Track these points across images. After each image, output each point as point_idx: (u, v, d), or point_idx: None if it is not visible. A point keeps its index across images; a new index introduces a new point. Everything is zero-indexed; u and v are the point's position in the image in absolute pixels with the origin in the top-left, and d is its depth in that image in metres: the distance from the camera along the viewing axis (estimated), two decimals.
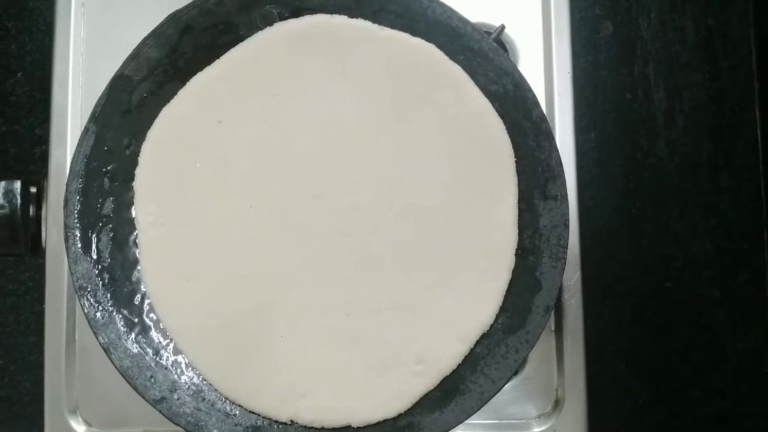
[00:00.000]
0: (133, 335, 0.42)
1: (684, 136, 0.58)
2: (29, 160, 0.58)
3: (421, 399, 0.41)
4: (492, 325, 0.42)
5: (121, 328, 0.42)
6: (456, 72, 0.43)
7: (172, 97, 0.43)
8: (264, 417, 0.41)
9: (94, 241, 0.42)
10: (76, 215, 0.42)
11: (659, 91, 0.58)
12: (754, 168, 0.58)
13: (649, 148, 0.58)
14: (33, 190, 0.49)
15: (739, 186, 0.58)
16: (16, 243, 0.48)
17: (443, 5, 0.43)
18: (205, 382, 0.42)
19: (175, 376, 0.42)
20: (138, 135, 0.43)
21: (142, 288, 0.43)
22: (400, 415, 0.41)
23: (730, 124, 0.58)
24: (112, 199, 0.43)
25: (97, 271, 0.42)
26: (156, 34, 0.43)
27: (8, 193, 0.48)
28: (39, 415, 0.49)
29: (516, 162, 0.43)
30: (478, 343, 0.42)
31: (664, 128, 0.58)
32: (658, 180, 0.58)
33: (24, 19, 0.59)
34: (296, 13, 0.44)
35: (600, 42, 0.59)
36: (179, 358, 0.42)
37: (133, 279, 0.43)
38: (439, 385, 0.41)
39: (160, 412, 0.40)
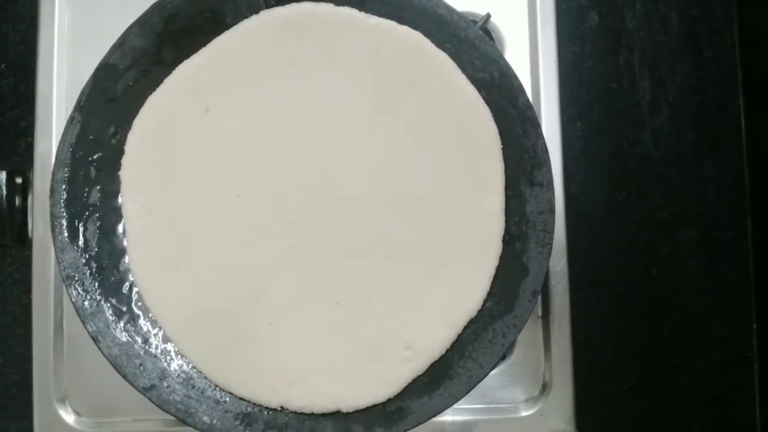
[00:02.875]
0: (121, 324, 0.42)
1: (669, 126, 0.59)
2: (14, 151, 0.57)
3: (410, 384, 0.41)
4: (479, 311, 0.42)
5: (110, 317, 0.42)
6: (443, 60, 0.43)
7: (157, 86, 0.43)
8: (254, 404, 0.41)
9: (81, 230, 0.42)
10: (63, 204, 0.42)
11: (644, 81, 0.59)
12: (738, 157, 0.59)
13: (634, 138, 0.58)
14: (18, 180, 0.49)
15: (724, 174, 0.58)
16: (1, 234, 0.48)
17: None
18: (194, 370, 0.42)
19: (165, 364, 0.42)
20: (124, 124, 0.43)
21: (130, 277, 0.43)
22: (389, 400, 0.41)
23: (714, 113, 0.59)
24: (98, 188, 0.43)
25: (84, 260, 0.42)
26: (141, 23, 0.43)
27: None
28: (28, 407, 0.49)
29: (502, 149, 0.43)
30: (465, 328, 0.42)
31: (649, 118, 0.59)
32: (644, 169, 0.58)
33: (8, 9, 0.58)
34: (282, 0, 0.44)
35: (585, 32, 0.59)
36: (168, 346, 0.42)
37: (121, 268, 0.43)
38: (427, 370, 0.42)
39: (149, 400, 0.40)
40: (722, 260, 0.58)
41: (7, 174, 0.48)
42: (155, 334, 0.42)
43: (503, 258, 0.43)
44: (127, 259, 0.43)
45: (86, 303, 0.41)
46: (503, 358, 0.49)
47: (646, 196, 0.58)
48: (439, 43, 0.43)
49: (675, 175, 0.58)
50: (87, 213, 0.43)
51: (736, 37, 0.59)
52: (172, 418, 0.40)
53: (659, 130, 0.58)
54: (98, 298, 0.42)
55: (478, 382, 0.41)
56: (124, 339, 0.41)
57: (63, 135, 0.42)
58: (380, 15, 0.44)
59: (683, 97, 0.59)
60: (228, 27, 0.44)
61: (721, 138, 0.59)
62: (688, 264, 0.58)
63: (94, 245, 0.42)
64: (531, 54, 0.51)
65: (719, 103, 0.59)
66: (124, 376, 0.40)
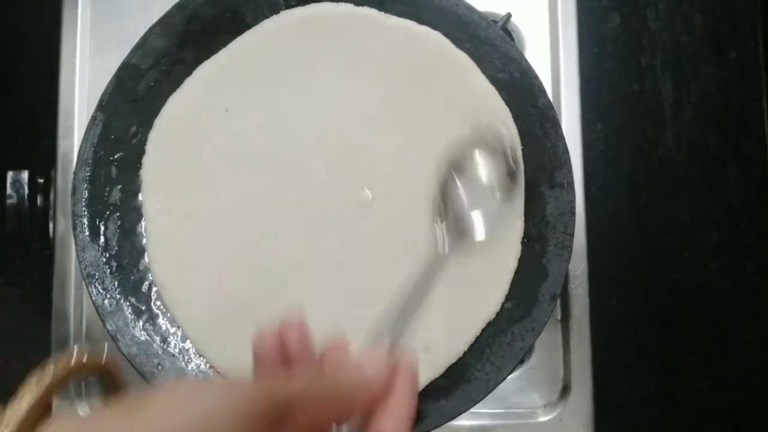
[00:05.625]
0: (140, 323, 0.42)
1: (691, 128, 0.58)
2: (36, 152, 0.58)
3: (428, 386, 0.41)
4: (498, 314, 0.42)
5: (129, 316, 0.42)
6: (463, 60, 0.43)
7: (178, 86, 0.44)
8: None
9: (102, 229, 0.43)
10: (84, 203, 0.42)
11: (666, 82, 0.58)
12: (762, 158, 0.57)
13: (656, 140, 0.58)
14: (40, 180, 0.50)
15: (747, 177, 0.57)
16: (23, 233, 0.49)
17: None
18: (212, 370, 0.42)
19: (183, 364, 0.42)
20: (145, 123, 0.44)
21: (150, 276, 0.43)
22: None
23: (737, 115, 0.58)
24: (119, 187, 0.43)
25: (104, 259, 0.42)
26: (163, 23, 0.43)
27: (15, 183, 0.48)
28: None
29: (522, 150, 0.43)
30: (483, 331, 0.42)
31: (672, 119, 0.58)
32: (666, 171, 0.57)
33: (31, 10, 0.59)
34: (303, 1, 0.44)
35: (607, 33, 0.58)
36: (187, 345, 0.42)
37: (141, 267, 0.43)
38: (445, 372, 0.41)
39: None
40: (745, 263, 0.57)
41: (29, 174, 0.48)
42: (174, 334, 0.42)
43: (522, 260, 0.42)
44: (146, 258, 0.43)
45: (106, 302, 0.42)
46: (521, 361, 0.48)
47: (667, 198, 0.57)
48: (459, 43, 0.43)
49: (697, 178, 0.57)
50: (108, 212, 0.43)
51: (760, 38, 0.58)
52: None
53: (681, 132, 0.58)
54: (118, 296, 0.42)
55: (496, 386, 0.41)
56: (143, 338, 0.42)
57: (85, 134, 0.43)
58: (400, 15, 0.44)
59: (706, 98, 0.58)
60: (249, 27, 0.44)
61: (745, 140, 0.58)
62: (711, 267, 0.57)
63: (115, 244, 0.43)
64: (552, 54, 0.51)
65: (743, 105, 0.58)
66: (143, 375, 0.41)
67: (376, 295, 0.42)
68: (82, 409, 0.49)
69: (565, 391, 0.49)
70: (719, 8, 0.59)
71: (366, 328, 0.42)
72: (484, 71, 0.43)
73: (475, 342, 0.42)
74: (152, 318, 0.42)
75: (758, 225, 0.57)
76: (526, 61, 0.43)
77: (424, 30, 0.43)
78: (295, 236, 0.43)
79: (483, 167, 0.41)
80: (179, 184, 0.43)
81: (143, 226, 0.43)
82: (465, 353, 0.41)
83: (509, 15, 0.49)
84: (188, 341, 0.42)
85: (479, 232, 0.40)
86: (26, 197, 0.48)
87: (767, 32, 0.58)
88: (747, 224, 0.57)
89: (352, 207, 0.43)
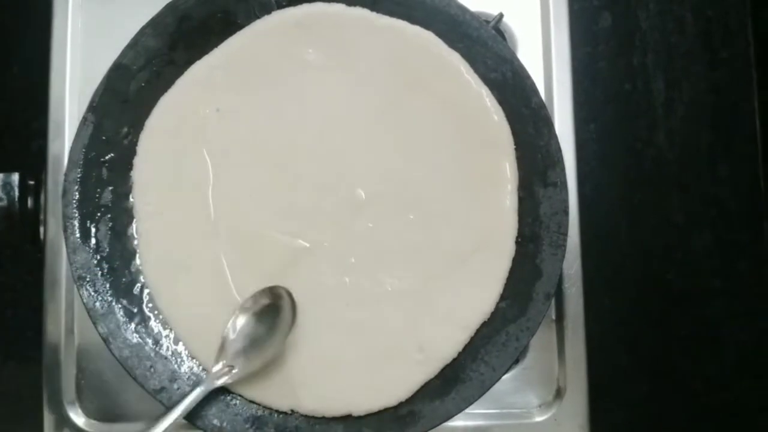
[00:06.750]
0: (132, 325, 0.42)
1: (683, 127, 0.58)
2: (27, 154, 0.57)
3: (422, 387, 0.41)
4: (492, 313, 0.42)
5: (121, 318, 0.42)
6: (455, 60, 0.43)
7: (170, 86, 0.43)
8: (265, 407, 0.41)
9: (93, 230, 0.42)
10: (75, 205, 0.42)
11: (658, 81, 0.58)
12: (753, 158, 0.58)
13: (648, 139, 0.58)
14: (31, 182, 0.49)
15: (739, 176, 0.58)
16: (14, 236, 0.48)
17: None
18: (204, 372, 0.42)
19: (175, 366, 0.41)
20: (136, 124, 0.43)
21: (142, 278, 0.43)
22: (400, 404, 0.41)
23: (729, 114, 0.58)
24: (110, 188, 0.43)
25: (96, 261, 0.42)
26: (154, 24, 0.43)
27: (6, 185, 0.48)
28: (38, 409, 0.49)
29: (515, 149, 0.43)
30: (478, 331, 0.42)
31: (664, 119, 0.58)
32: (658, 170, 0.58)
33: (21, 11, 0.59)
34: (294, 1, 0.44)
35: (599, 33, 0.59)
36: (179, 347, 0.42)
37: (133, 269, 0.43)
38: (439, 373, 0.41)
39: (160, 402, 0.40)
40: (738, 263, 0.57)
41: (19, 176, 0.48)
42: (166, 336, 0.42)
43: (516, 260, 0.42)
44: (138, 260, 0.43)
45: (97, 304, 0.41)
46: (516, 362, 0.48)
47: (660, 198, 0.57)
48: (452, 43, 0.43)
49: (690, 177, 0.58)
50: (99, 214, 0.43)
51: (751, 38, 0.59)
52: (182, 420, 0.40)
53: (673, 131, 0.58)
54: (109, 299, 0.42)
55: (491, 386, 0.40)
56: (134, 340, 0.41)
57: (76, 136, 0.43)
58: (392, 15, 0.44)
59: (698, 98, 0.58)
60: (240, 28, 0.44)
61: (736, 139, 0.58)
62: (703, 267, 0.57)
63: (106, 246, 0.42)
64: (544, 54, 0.51)
65: (734, 104, 0.58)
66: (135, 378, 0.40)
67: (371, 297, 0.42)
68: (75, 413, 0.48)
69: (560, 391, 0.49)
70: (710, 8, 0.59)
71: (360, 332, 0.42)
72: (476, 71, 0.43)
73: (469, 342, 0.41)
74: (144, 320, 0.42)
75: (750, 224, 0.57)
76: (518, 60, 0.43)
77: (416, 30, 0.43)
78: (287, 237, 0.42)
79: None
80: (170, 185, 0.43)
81: (134, 228, 0.43)
82: (460, 354, 0.41)
83: (501, 15, 0.49)
84: (181, 343, 0.42)
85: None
86: (17, 199, 0.48)
87: (758, 31, 0.59)
88: (739, 223, 0.57)
89: (345, 208, 0.43)
